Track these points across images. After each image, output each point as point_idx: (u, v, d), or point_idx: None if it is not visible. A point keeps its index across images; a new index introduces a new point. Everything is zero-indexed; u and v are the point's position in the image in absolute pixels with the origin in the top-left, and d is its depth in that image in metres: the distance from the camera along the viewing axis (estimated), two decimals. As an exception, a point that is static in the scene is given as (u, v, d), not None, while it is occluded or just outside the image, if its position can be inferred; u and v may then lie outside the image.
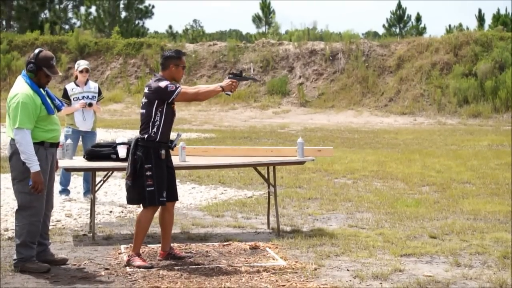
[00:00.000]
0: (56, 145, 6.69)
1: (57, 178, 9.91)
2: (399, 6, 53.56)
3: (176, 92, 6.71)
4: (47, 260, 6.70)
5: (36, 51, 6.60)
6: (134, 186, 6.77)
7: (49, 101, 6.58)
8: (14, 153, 6.46)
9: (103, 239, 7.95)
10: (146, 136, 6.75)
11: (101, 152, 8.02)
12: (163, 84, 6.74)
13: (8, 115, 6.48)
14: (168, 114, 6.80)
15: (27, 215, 6.47)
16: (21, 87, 6.47)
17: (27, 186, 6.40)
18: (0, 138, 18.06)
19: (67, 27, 49.39)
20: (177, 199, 7.13)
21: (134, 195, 6.83)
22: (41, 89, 6.55)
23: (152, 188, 6.71)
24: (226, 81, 6.98)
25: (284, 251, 7.41)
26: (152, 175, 6.71)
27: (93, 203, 8.01)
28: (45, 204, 6.61)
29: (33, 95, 6.44)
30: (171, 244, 7.18)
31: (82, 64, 10.63)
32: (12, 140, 6.47)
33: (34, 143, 6.39)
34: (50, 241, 7.01)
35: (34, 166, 6.34)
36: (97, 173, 8.28)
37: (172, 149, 6.98)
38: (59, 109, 6.75)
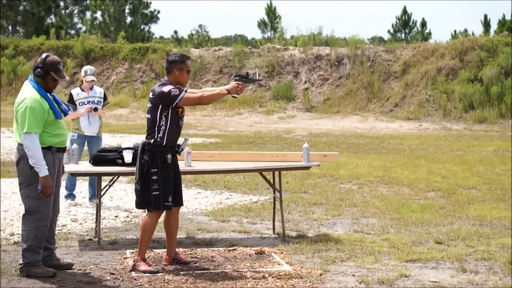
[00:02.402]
0: (63, 150, 6.70)
1: (63, 183, 9.92)
2: (404, 11, 53.57)
3: (180, 96, 6.71)
4: (52, 264, 6.71)
5: (43, 55, 6.61)
6: (142, 190, 6.78)
7: (56, 105, 6.59)
8: (22, 157, 6.47)
9: (108, 244, 7.95)
10: (152, 140, 6.76)
11: (107, 157, 8.02)
12: (166, 89, 6.74)
13: (16, 120, 6.49)
14: (174, 118, 6.80)
15: (34, 220, 6.48)
16: (28, 92, 6.48)
17: (34, 190, 6.41)
18: (0, 142, 18.09)
19: (72, 32, 49.58)
20: (182, 204, 7.13)
21: (140, 199, 6.84)
22: (48, 94, 6.57)
23: (158, 193, 6.72)
24: (232, 84, 6.96)
25: (289, 256, 7.41)
26: (157, 179, 6.72)
27: (98, 208, 8.01)
28: (52, 208, 6.62)
29: (40, 99, 6.45)
30: (177, 249, 7.18)
31: (89, 73, 10.59)
32: (20, 145, 6.48)
33: (42, 148, 6.40)
34: (56, 245, 7.01)
35: (43, 170, 6.35)
36: (103, 178, 8.29)
37: (179, 154, 6.99)
38: (66, 114, 6.76)
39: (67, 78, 6.87)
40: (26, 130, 6.34)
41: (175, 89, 6.73)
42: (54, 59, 6.61)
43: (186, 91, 6.79)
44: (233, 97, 6.97)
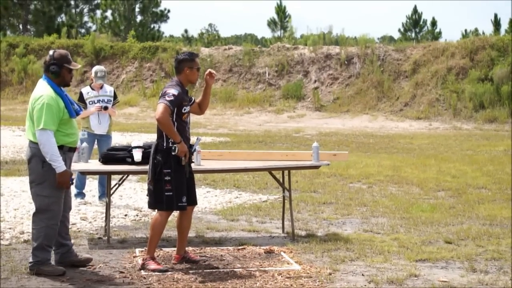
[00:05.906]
0: (74, 149, 6.72)
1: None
2: (414, 10, 53.54)
3: (162, 102, 6.61)
4: (71, 261, 6.74)
5: (51, 52, 6.65)
6: (154, 190, 6.78)
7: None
8: (34, 155, 6.48)
9: (118, 243, 7.97)
10: (164, 144, 6.72)
11: (116, 156, 8.03)
12: (167, 90, 6.72)
13: (30, 118, 6.49)
14: (178, 119, 6.77)
15: (45, 218, 6.50)
16: (45, 89, 6.50)
17: (45, 189, 6.43)
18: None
19: (83, 31, 49.71)
20: (196, 203, 7.11)
21: (152, 199, 6.84)
22: (62, 92, 6.60)
23: (171, 193, 6.71)
24: (185, 148, 6.72)
25: (298, 255, 7.40)
26: (170, 180, 6.70)
27: (108, 206, 8.03)
28: (63, 206, 6.64)
29: (56, 97, 6.48)
30: (186, 248, 7.18)
31: (99, 75, 10.57)
32: (32, 142, 6.50)
33: None
34: (72, 241, 7.03)
35: (60, 166, 6.37)
36: (112, 176, 8.30)
37: (192, 154, 6.97)
38: (78, 114, 6.78)
39: (79, 65, 6.91)
40: (42, 127, 6.35)
41: (170, 94, 6.67)
42: (62, 52, 6.69)
43: (169, 106, 6.62)
44: (173, 149, 6.70)
